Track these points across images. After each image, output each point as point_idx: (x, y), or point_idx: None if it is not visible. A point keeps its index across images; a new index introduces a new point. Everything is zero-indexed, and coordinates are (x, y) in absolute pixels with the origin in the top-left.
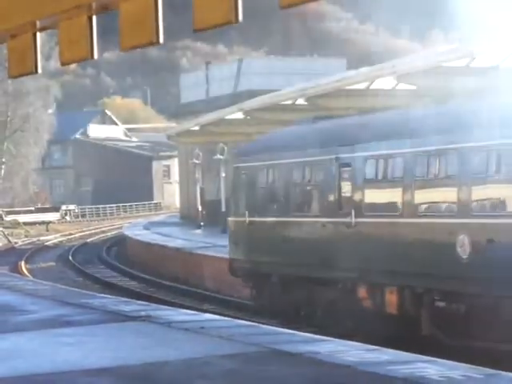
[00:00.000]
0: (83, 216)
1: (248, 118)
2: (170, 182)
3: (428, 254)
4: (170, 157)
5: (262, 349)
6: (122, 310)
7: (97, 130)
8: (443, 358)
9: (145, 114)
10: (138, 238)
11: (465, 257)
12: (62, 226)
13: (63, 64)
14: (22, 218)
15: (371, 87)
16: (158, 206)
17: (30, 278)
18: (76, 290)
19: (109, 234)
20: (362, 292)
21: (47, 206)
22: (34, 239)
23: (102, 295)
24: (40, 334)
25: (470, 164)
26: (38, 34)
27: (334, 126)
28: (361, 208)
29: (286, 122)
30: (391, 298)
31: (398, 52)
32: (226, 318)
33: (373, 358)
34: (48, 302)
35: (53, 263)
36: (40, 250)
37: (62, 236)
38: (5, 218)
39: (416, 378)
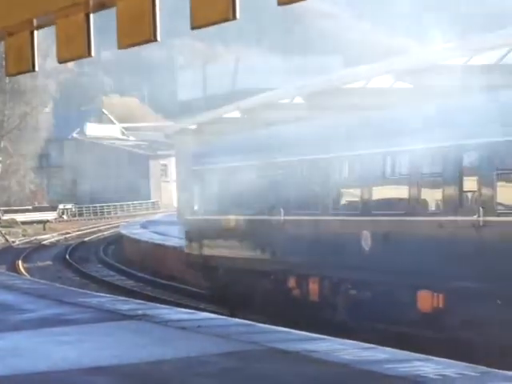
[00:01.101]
0: (80, 215)
1: (245, 116)
2: (168, 181)
3: (340, 247)
4: (167, 155)
5: (259, 347)
6: (119, 309)
7: (94, 129)
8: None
9: (142, 112)
10: (135, 236)
11: (367, 249)
12: (60, 225)
13: (60, 62)
14: (19, 217)
15: (368, 85)
16: (155, 205)
17: (28, 277)
18: (73, 289)
19: (106, 232)
20: (291, 282)
21: (44, 205)
22: (32, 238)
23: (99, 294)
24: (37, 333)
25: (370, 168)
26: (36, 32)
27: (272, 133)
28: (289, 207)
29: (284, 120)
30: (314, 288)
31: (394, 50)
32: (222, 317)
33: (369, 357)
34: (45, 300)
35: (50, 262)
36: (37, 248)
37: (59, 235)
38: (2, 217)
39: (413, 377)
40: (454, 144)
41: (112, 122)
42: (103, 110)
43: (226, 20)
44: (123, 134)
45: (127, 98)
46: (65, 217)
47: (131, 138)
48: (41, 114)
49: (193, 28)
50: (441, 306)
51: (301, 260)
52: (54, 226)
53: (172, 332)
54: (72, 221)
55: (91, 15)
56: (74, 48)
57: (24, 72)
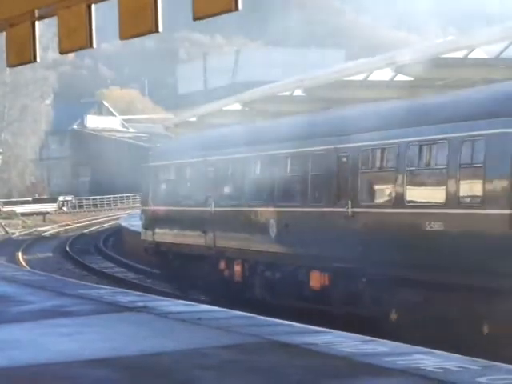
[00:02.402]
0: (80, 207)
1: (246, 109)
2: None
3: (256, 233)
4: None
5: (260, 340)
6: (119, 301)
7: (94, 121)
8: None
9: (142, 104)
10: (135, 228)
11: (273, 236)
12: (59, 217)
13: (62, 53)
14: (19, 209)
15: (369, 78)
16: None
17: (28, 268)
18: (73, 280)
19: (106, 224)
20: (222, 265)
21: (44, 197)
22: (31, 230)
23: (99, 286)
24: (37, 325)
25: (274, 167)
26: (37, 24)
27: (206, 135)
28: (217, 198)
29: (284, 113)
30: (237, 270)
31: (396, 44)
32: (223, 309)
33: (369, 350)
34: (45, 292)
35: (50, 254)
36: (37, 240)
37: (59, 227)
38: (2, 209)
39: (413, 370)
40: (332, 148)
41: (112, 114)
42: (103, 101)
43: (229, 11)
44: (123, 126)
45: (127, 90)
46: (65, 209)
47: (131, 130)
48: (41, 105)
49: (194, 19)
50: (327, 283)
51: (228, 245)
52: (53, 217)
53: (172, 324)
54: (72, 213)
55: (93, 6)
56: (76, 39)
57: (25, 63)
